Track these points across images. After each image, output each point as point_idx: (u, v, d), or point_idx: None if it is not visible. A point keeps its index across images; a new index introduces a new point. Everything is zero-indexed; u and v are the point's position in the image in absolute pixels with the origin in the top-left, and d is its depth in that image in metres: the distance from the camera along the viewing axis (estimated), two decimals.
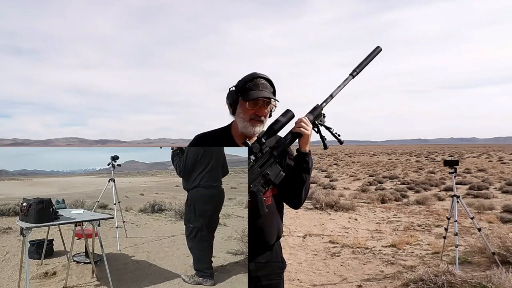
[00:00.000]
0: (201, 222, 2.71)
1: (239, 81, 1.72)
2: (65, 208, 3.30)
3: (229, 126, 1.84)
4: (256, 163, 1.63)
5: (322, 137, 1.77)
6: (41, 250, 3.66)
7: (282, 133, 1.73)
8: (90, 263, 3.36)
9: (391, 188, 14.87)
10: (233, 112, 1.75)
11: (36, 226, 2.62)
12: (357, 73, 1.82)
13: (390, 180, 19.25)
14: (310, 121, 1.71)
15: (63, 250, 3.92)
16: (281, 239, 1.87)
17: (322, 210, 9.44)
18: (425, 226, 7.71)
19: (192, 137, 1.89)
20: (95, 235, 3.28)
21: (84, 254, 3.70)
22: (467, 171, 22.91)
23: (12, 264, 3.54)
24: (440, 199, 11.71)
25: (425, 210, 9.73)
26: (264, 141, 1.65)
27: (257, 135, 1.73)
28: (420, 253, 5.71)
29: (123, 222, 4.99)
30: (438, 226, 7.61)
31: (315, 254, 5.81)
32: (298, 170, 1.72)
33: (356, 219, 8.49)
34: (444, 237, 5.10)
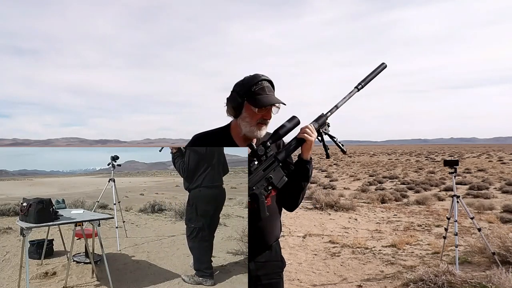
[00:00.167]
0: (202, 222, 2.72)
1: (242, 83, 1.71)
2: (65, 208, 3.30)
3: (228, 126, 1.83)
4: (260, 166, 1.65)
5: (325, 145, 1.80)
6: (41, 250, 3.66)
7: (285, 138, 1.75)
8: (90, 263, 3.36)
9: (391, 188, 14.87)
10: (236, 115, 1.74)
11: (36, 226, 2.62)
12: (362, 87, 1.87)
13: (390, 180, 19.24)
14: (315, 129, 1.74)
15: (63, 250, 3.92)
16: (281, 239, 1.88)
17: (322, 210, 9.45)
18: (425, 226, 7.71)
19: (191, 138, 1.89)
20: (95, 235, 3.28)
21: (84, 254, 3.70)
22: (467, 171, 22.90)
23: (12, 264, 3.54)
24: (440, 199, 11.71)
25: (425, 210, 9.73)
26: (269, 144, 1.67)
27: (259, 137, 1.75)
28: (420, 253, 5.71)
29: (123, 222, 4.99)
30: (438, 226, 7.61)
31: (315, 254, 5.82)
32: (297, 176, 1.74)
33: (356, 219, 8.49)
34: (444, 237, 5.10)
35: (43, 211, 2.61)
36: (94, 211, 4.41)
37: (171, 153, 2.63)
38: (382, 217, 8.76)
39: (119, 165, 4.57)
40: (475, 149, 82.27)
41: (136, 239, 4.79)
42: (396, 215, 9.11)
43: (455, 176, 4.93)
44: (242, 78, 1.73)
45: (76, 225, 3.00)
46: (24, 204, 2.63)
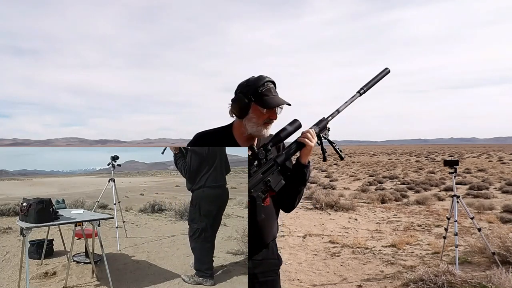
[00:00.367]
0: (205, 223, 2.72)
1: (247, 85, 1.72)
2: (65, 208, 3.30)
3: (230, 126, 1.84)
4: (260, 169, 1.66)
5: (323, 149, 1.82)
6: (41, 250, 3.66)
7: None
8: (90, 263, 3.36)
9: (391, 188, 14.88)
10: (241, 116, 1.74)
11: (36, 226, 2.62)
12: (364, 91, 1.88)
13: (390, 180, 19.25)
14: (316, 133, 1.75)
15: (63, 250, 3.92)
16: (282, 239, 1.90)
17: (322, 210, 9.45)
18: (425, 226, 7.71)
19: (192, 137, 1.89)
20: (95, 235, 3.28)
21: (84, 254, 3.69)
22: (467, 171, 22.91)
23: (12, 264, 3.54)
24: (440, 199, 11.71)
25: (425, 210, 9.73)
26: (270, 148, 1.68)
27: (258, 138, 1.79)
28: (420, 253, 5.71)
29: (123, 222, 4.99)
30: (438, 226, 7.62)
31: (315, 254, 5.81)
32: (294, 179, 1.76)
33: (356, 219, 8.49)
34: (444, 237, 5.10)
35: (43, 211, 2.61)
36: (94, 211, 4.41)
37: (174, 153, 2.63)
38: (382, 217, 8.76)
39: (119, 165, 4.57)
40: (475, 149, 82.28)
41: (136, 239, 4.78)
42: (396, 215, 9.11)
43: (455, 176, 4.93)
44: (245, 79, 1.75)
45: (76, 225, 3.00)
46: (24, 204, 2.63)
